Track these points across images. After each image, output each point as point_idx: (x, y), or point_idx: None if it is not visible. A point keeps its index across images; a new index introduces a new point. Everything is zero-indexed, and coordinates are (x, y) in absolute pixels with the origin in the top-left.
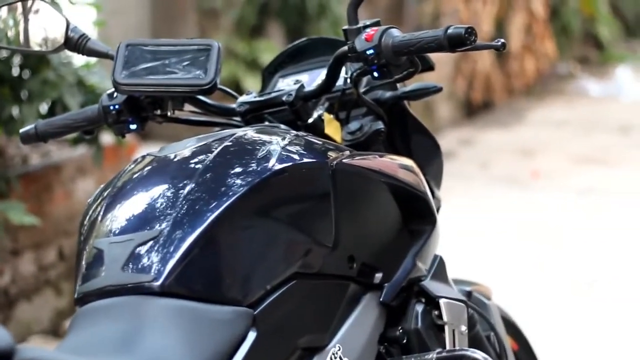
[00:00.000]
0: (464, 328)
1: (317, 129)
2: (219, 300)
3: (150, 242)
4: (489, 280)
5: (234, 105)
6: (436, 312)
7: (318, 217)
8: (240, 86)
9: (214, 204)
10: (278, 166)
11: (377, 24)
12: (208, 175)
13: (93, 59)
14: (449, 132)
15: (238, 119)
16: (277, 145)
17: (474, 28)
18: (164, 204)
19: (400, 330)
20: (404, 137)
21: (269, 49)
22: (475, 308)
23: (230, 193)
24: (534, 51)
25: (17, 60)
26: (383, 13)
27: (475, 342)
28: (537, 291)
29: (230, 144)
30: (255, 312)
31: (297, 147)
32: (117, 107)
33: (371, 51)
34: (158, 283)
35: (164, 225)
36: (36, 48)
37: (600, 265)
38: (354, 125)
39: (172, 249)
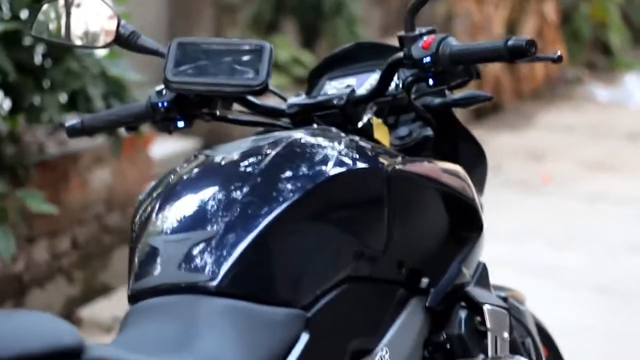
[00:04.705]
0: (506, 335)
1: (366, 133)
2: (273, 302)
3: (206, 242)
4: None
5: (283, 107)
6: (478, 318)
7: (371, 221)
8: None
9: (269, 207)
10: (335, 171)
11: (432, 31)
12: (263, 178)
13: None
14: None
15: (286, 120)
16: (334, 150)
17: (534, 40)
18: (219, 205)
19: (445, 336)
20: (451, 143)
21: (284, 45)
22: (513, 314)
23: (286, 196)
24: None
25: (40, 49)
26: (395, 13)
27: (512, 348)
28: (548, 295)
29: (285, 146)
30: (309, 315)
31: (353, 152)
32: (165, 104)
33: (428, 59)
34: (214, 283)
35: (219, 226)
36: (78, 42)
37: (612, 272)
38: (403, 131)
39: (227, 250)
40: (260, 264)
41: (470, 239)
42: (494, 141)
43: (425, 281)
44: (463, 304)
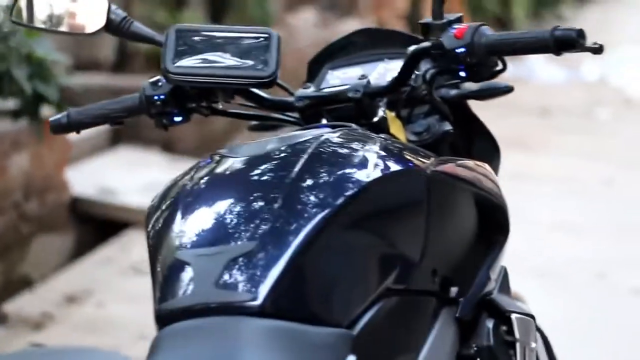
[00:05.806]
0: (533, 345)
1: (381, 128)
2: (316, 321)
3: (244, 257)
4: None
5: (291, 99)
6: (504, 328)
7: (410, 228)
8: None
9: (306, 218)
10: (375, 175)
11: (460, 19)
12: (296, 185)
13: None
14: None
15: (293, 113)
16: (369, 152)
17: (583, 30)
18: (254, 214)
19: (475, 348)
20: (466, 138)
21: (194, 20)
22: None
23: (324, 206)
24: None
25: None
26: None
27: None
28: None
29: (318, 148)
30: (354, 334)
31: (389, 154)
32: (162, 97)
33: (462, 50)
34: (256, 303)
35: (257, 238)
36: (62, 29)
37: (545, 253)
38: (420, 126)
39: (265, 266)
40: (301, 280)
41: (497, 244)
42: None
43: (454, 290)
44: (488, 312)
